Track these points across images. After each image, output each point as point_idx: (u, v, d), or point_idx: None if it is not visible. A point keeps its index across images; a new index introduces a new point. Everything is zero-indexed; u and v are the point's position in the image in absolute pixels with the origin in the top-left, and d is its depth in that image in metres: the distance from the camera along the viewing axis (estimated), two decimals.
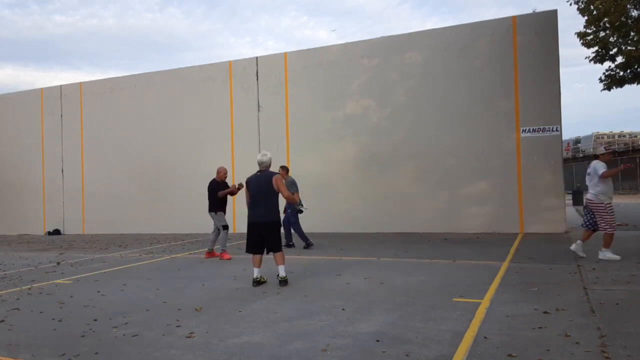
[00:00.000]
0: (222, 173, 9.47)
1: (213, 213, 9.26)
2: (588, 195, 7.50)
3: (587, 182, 7.46)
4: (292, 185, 9.85)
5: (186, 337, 4.27)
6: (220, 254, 9.03)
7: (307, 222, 14.55)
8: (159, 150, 15.85)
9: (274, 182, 6.30)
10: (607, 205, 7.25)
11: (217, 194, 9.18)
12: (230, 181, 14.62)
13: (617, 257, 7.27)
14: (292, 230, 10.42)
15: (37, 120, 17.69)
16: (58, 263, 9.39)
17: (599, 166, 7.29)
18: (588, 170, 7.51)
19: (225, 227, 9.19)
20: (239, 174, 14.32)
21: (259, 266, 6.37)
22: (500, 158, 12.12)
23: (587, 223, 7.62)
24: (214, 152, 14.89)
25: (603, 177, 7.16)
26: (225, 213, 9.40)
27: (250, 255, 6.49)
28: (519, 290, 5.59)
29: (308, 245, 10.09)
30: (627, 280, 5.86)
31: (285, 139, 14.17)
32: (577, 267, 6.90)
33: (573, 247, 7.68)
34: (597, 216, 7.35)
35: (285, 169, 10.24)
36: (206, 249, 9.40)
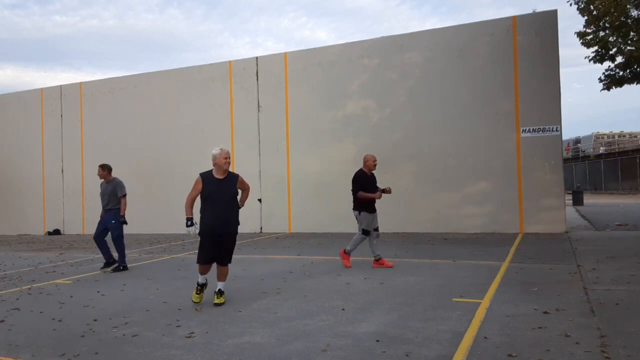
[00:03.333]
0: (370, 162, 7.56)
1: (357, 212, 7.49)
2: None
3: None
4: (120, 189, 8.25)
5: (186, 337, 4.27)
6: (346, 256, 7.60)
7: (308, 222, 14.62)
8: (159, 150, 15.84)
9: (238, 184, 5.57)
10: None
11: (359, 192, 7.34)
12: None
13: None
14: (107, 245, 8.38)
15: (37, 120, 17.68)
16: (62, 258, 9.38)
17: None
18: None
19: (366, 233, 7.49)
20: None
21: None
22: (500, 158, 12.11)
23: None
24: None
25: None
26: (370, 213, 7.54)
27: (201, 266, 5.54)
28: (519, 290, 5.59)
29: (120, 268, 8.10)
30: (627, 280, 5.86)
31: (285, 139, 14.17)
32: (577, 267, 6.89)
33: None
34: None
35: (106, 168, 8.44)
36: (373, 258, 7.60)
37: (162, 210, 15.54)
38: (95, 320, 4.94)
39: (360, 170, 7.58)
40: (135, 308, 5.40)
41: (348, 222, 13.06)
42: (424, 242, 10.61)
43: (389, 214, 13.08)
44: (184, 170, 15.32)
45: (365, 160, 7.60)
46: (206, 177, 5.41)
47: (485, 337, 3.95)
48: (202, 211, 5.32)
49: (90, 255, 10.50)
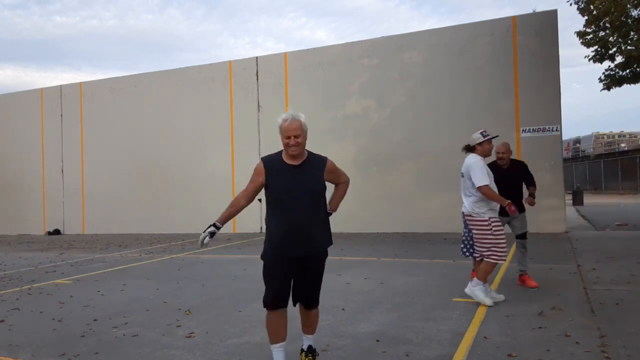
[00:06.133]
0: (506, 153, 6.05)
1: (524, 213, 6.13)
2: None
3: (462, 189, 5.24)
4: None
5: (186, 337, 4.27)
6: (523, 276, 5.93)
7: None
8: (159, 150, 15.84)
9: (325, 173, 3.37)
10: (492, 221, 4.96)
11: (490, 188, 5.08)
12: (230, 181, 14.51)
13: (501, 298, 5.09)
14: None
15: (37, 120, 17.68)
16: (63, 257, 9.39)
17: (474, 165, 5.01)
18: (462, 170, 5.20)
19: (521, 237, 6.07)
20: (239, 174, 14.34)
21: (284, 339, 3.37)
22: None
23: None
24: (213, 152, 14.89)
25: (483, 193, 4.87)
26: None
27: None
28: (519, 290, 5.59)
29: None
30: (627, 280, 5.86)
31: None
32: (577, 267, 6.90)
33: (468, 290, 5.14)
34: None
35: None
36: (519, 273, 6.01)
37: (162, 210, 15.53)
38: (95, 320, 4.94)
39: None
40: (135, 308, 5.40)
41: (348, 222, 13.08)
42: (424, 242, 10.61)
43: (389, 214, 13.10)
44: (183, 170, 15.33)
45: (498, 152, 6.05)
46: (271, 162, 3.31)
47: (485, 337, 3.95)
48: (267, 220, 3.35)
49: (90, 255, 10.51)
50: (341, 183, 3.55)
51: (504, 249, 4.93)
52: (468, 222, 5.15)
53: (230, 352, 3.84)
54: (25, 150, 17.89)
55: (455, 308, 4.89)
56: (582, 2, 12.22)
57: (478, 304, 4.94)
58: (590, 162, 39.58)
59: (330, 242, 3.44)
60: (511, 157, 6.07)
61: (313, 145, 13.10)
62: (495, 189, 5.00)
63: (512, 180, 5.84)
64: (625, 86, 13.50)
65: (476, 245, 5.10)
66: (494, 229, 4.91)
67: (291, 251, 3.20)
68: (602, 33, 12.52)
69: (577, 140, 57.70)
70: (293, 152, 3.20)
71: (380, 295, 5.59)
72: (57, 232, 17.03)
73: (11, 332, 4.66)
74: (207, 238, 3.24)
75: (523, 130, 11.87)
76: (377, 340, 3.97)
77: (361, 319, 4.64)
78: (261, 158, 3.38)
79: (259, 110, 14.62)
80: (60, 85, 17.50)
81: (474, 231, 5.09)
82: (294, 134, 3.20)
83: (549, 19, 11.81)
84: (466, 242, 5.41)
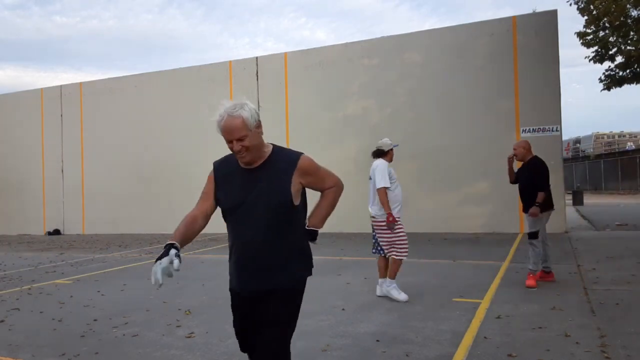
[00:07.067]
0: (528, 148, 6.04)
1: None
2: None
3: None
4: None
5: (186, 337, 4.27)
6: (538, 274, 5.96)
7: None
8: (159, 150, 15.84)
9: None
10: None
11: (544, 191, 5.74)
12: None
13: (404, 298, 5.26)
14: None
15: (37, 120, 17.67)
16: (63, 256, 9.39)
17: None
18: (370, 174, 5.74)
19: (533, 236, 5.93)
20: None
21: None
22: (500, 158, 12.08)
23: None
24: (214, 152, 14.81)
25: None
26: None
27: None
28: (519, 290, 5.59)
29: None
30: (627, 280, 5.86)
31: (285, 139, 14.16)
32: (577, 267, 6.90)
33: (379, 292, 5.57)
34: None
35: None
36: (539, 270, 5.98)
37: (162, 210, 15.52)
38: (95, 320, 4.94)
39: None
40: (135, 308, 5.40)
41: (348, 221, 13.08)
42: (424, 242, 10.61)
43: None
44: (183, 170, 15.32)
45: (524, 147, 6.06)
46: (223, 164, 2.49)
47: (485, 337, 3.95)
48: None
49: (90, 255, 10.51)
50: (327, 189, 2.48)
51: (405, 247, 5.31)
52: (373, 224, 5.55)
53: (230, 352, 3.84)
54: (25, 150, 17.89)
55: (455, 308, 4.89)
56: (582, 2, 12.23)
57: (478, 304, 4.95)
58: (590, 162, 39.57)
59: (307, 272, 2.44)
60: (533, 155, 6.06)
61: (313, 145, 13.12)
62: (396, 194, 5.58)
63: (522, 179, 6.07)
64: (625, 86, 13.51)
65: (381, 243, 5.44)
66: (395, 227, 5.29)
67: (243, 285, 2.34)
68: (602, 33, 12.52)
69: (577, 140, 57.71)
70: (242, 159, 2.28)
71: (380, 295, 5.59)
72: (57, 232, 17.03)
73: (11, 332, 4.66)
74: (177, 262, 2.06)
75: (523, 130, 11.87)
76: (377, 340, 3.97)
77: (361, 319, 4.64)
78: (214, 162, 2.55)
79: (258, 110, 14.62)
80: (60, 85, 17.49)
81: (376, 230, 5.48)
82: (237, 136, 2.21)
83: (549, 19, 11.82)
84: (375, 242, 5.64)
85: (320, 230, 2.47)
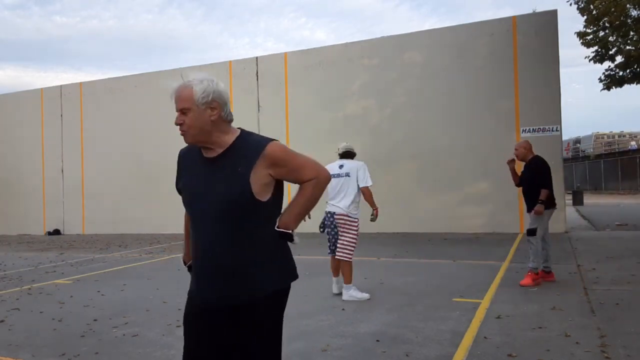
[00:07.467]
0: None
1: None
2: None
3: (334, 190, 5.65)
4: None
5: None
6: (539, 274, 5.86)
7: (308, 222, 14.51)
8: (159, 150, 15.82)
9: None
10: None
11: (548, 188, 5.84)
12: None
13: (366, 296, 5.37)
14: None
15: (37, 120, 17.67)
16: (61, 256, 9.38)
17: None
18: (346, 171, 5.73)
19: (532, 233, 6.01)
20: None
21: None
22: (500, 158, 12.08)
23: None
24: None
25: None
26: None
27: None
28: (519, 290, 5.59)
29: None
30: (627, 280, 5.86)
31: (285, 139, 14.16)
32: (577, 267, 6.90)
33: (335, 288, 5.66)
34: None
35: None
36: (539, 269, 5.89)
37: (162, 210, 15.51)
38: (95, 320, 4.94)
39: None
40: (135, 308, 5.40)
41: None
42: (424, 242, 10.62)
43: (389, 214, 13.07)
44: None
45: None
46: (187, 153, 2.42)
47: (485, 337, 3.95)
48: None
49: (90, 255, 10.51)
50: (306, 181, 2.03)
51: (354, 248, 5.47)
52: (338, 222, 5.50)
53: None
54: (25, 150, 17.89)
55: (455, 308, 4.89)
56: (582, 2, 12.24)
57: (478, 304, 4.95)
58: (590, 162, 39.58)
59: (284, 283, 2.01)
60: (534, 155, 6.08)
61: (313, 145, 13.12)
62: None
63: (524, 179, 6.13)
64: (625, 86, 13.52)
65: (339, 244, 5.45)
66: (358, 229, 5.52)
67: (202, 294, 1.98)
68: (602, 33, 12.53)
69: (577, 140, 57.66)
70: (183, 137, 2.14)
71: (380, 295, 5.59)
72: (57, 232, 17.03)
73: (11, 332, 4.66)
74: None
75: (523, 130, 11.87)
76: (377, 340, 3.97)
77: (361, 319, 4.64)
78: (180, 149, 2.35)
79: (258, 110, 14.62)
80: (60, 85, 17.49)
81: (345, 231, 5.47)
82: (179, 106, 2.08)
83: (549, 19, 11.82)
84: (330, 243, 5.66)
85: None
